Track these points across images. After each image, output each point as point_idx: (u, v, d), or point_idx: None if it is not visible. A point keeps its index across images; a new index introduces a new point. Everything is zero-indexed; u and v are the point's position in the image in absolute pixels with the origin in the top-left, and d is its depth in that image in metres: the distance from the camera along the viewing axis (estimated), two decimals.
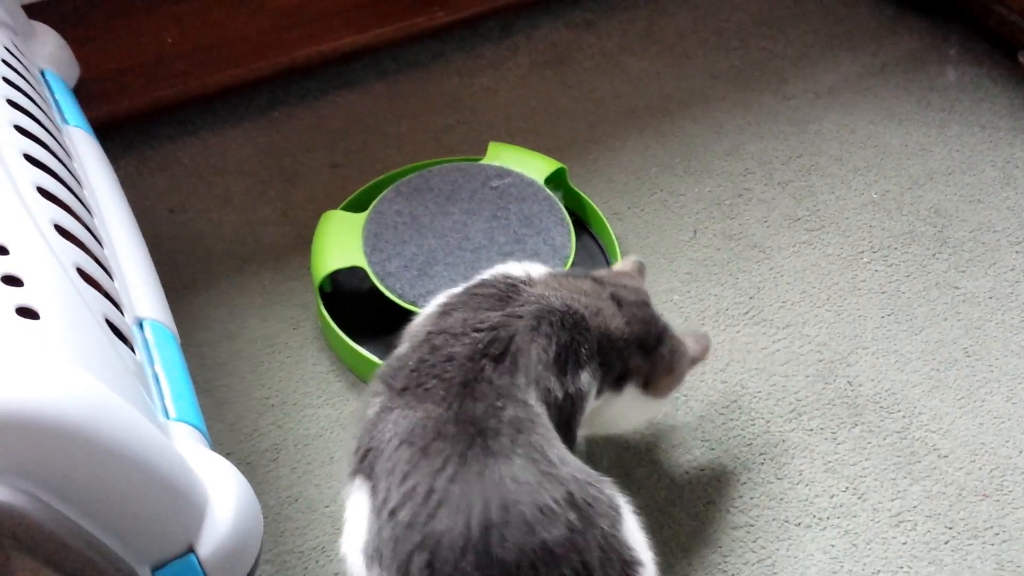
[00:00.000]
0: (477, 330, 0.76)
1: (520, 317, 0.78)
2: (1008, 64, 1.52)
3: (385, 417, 0.72)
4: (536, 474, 0.67)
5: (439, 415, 0.70)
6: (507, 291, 0.81)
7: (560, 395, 0.78)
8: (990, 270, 1.26)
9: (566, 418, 0.79)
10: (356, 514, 0.71)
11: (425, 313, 0.83)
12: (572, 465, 0.70)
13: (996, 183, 1.37)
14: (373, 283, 1.12)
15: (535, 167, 1.26)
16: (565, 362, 0.79)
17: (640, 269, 0.99)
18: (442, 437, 0.69)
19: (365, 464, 0.71)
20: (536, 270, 0.87)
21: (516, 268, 0.86)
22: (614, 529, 0.69)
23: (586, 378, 0.81)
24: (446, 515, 0.65)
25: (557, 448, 0.71)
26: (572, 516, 0.66)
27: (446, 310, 0.80)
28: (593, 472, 0.72)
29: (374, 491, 0.69)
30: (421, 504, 0.66)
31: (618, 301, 0.87)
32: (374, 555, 0.68)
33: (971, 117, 1.47)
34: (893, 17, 1.65)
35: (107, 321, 0.74)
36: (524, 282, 0.83)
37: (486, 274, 0.85)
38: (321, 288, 1.15)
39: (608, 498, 0.70)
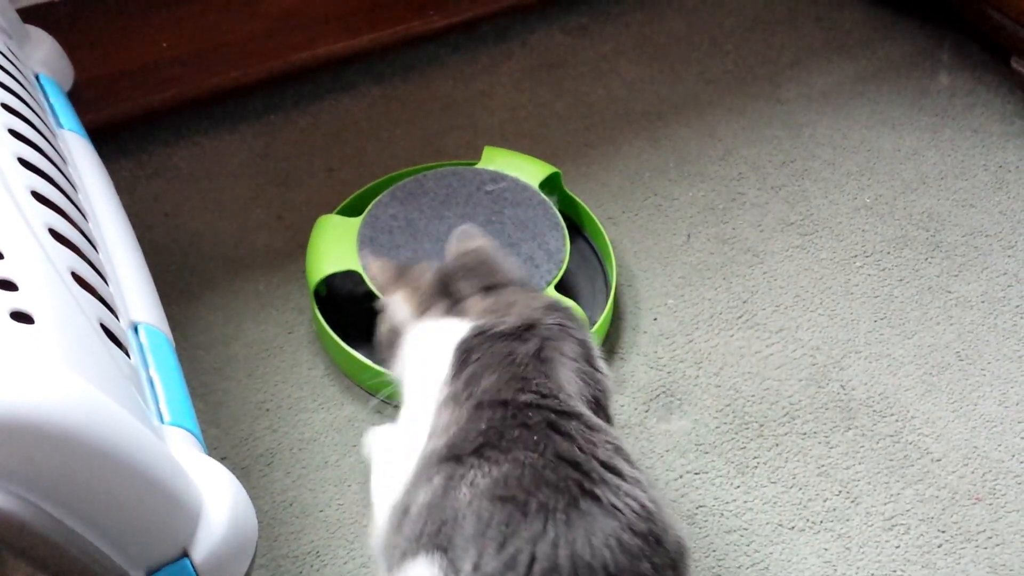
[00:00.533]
0: (524, 379, 0.73)
1: (546, 361, 0.76)
2: (1001, 69, 1.53)
3: (455, 485, 0.67)
4: (639, 538, 0.65)
5: (533, 460, 0.66)
6: (506, 341, 0.78)
7: (604, 398, 0.79)
8: (982, 274, 1.26)
9: (606, 408, 0.80)
10: None
11: (433, 406, 0.77)
12: (660, 503, 0.69)
13: (988, 187, 1.38)
14: (368, 287, 1.12)
15: (530, 171, 1.26)
16: (592, 367, 0.79)
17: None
18: (542, 486, 0.65)
19: (439, 537, 0.65)
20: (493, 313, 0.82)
21: (460, 327, 0.81)
22: None
23: (602, 363, 0.82)
24: None
25: (646, 483, 0.70)
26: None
27: (470, 385, 0.75)
28: (672, 510, 0.71)
29: (454, 564, 0.64)
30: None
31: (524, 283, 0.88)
32: None
33: (964, 122, 1.48)
34: (886, 22, 1.66)
35: (102, 325, 0.74)
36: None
37: (462, 339, 0.80)
38: (316, 292, 1.15)
39: (686, 547, 0.70)
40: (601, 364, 0.81)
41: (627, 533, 0.64)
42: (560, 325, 0.79)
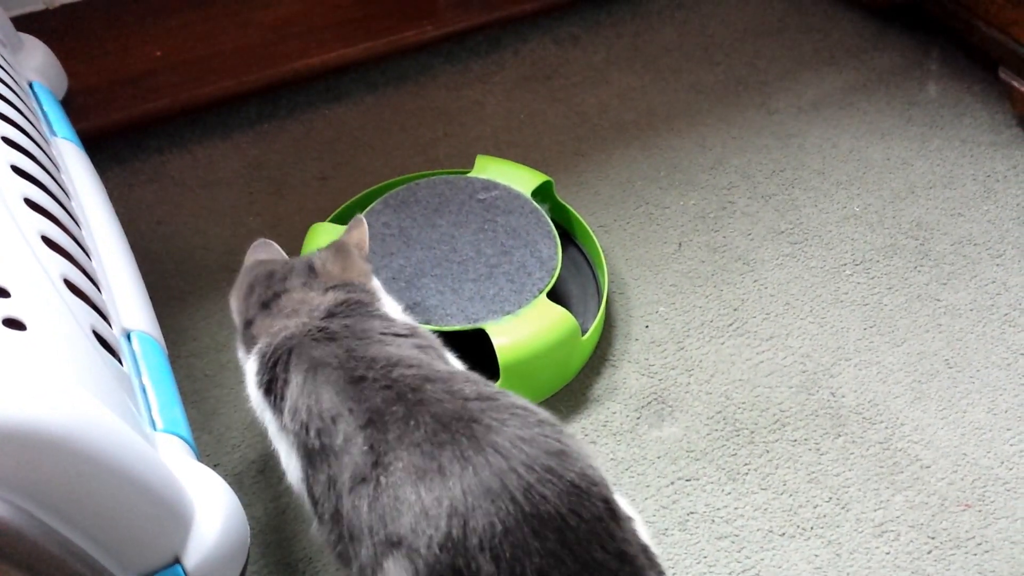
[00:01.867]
0: (361, 379, 0.76)
1: (367, 347, 0.80)
2: (989, 79, 1.55)
3: (377, 497, 0.71)
4: (536, 427, 0.71)
5: (421, 437, 0.70)
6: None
7: (437, 346, 0.86)
8: (971, 282, 1.27)
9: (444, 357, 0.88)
10: None
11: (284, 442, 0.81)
12: (540, 407, 0.76)
13: (977, 197, 1.39)
14: None
15: (522, 180, 1.27)
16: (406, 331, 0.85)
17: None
18: (442, 447, 0.69)
19: (389, 540, 0.69)
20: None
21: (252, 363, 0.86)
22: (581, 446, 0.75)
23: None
24: (488, 503, 0.67)
25: (515, 396, 0.76)
26: (571, 443, 0.72)
27: (301, 413, 0.78)
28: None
29: (413, 550, 0.68)
30: (466, 512, 0.67)
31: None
32: None
33: (952, 132, 1.49)
34: (876, 33, 1.67)
35: (94, 332, 0.74)
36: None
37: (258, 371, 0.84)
38: None
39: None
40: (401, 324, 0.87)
41: (524, 430, 0.71)
42: (356, 305, 0.85)
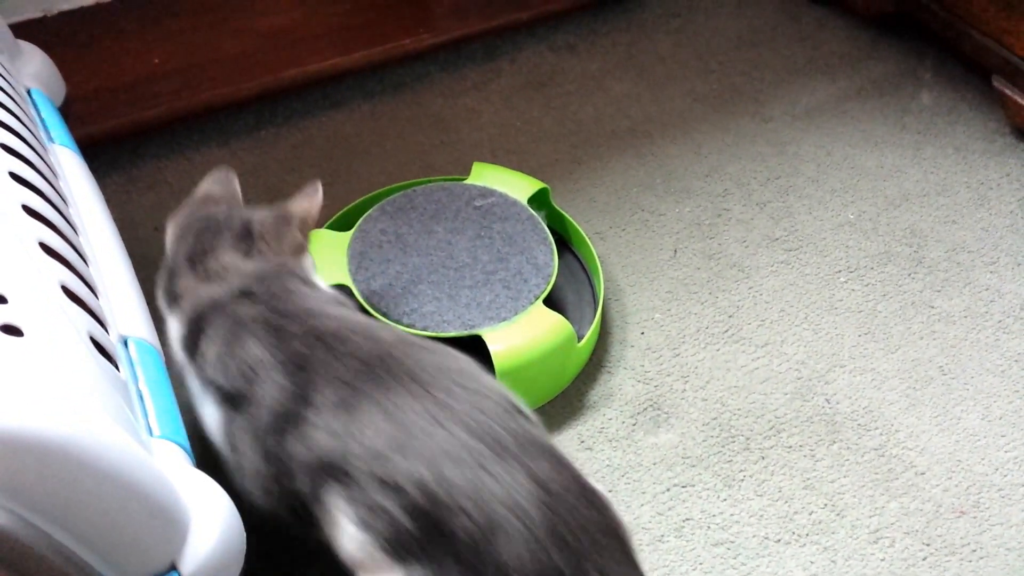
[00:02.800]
0: (278, 328, 0.80)
1: (282, 299, 0.84)
2: (982, 88, 1.56)
3: (307, 430, 0.75)
4: (447, 357, 0.79)
5: (345, 374, 0.75)
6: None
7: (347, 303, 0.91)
8: (965, 290, 1.28)
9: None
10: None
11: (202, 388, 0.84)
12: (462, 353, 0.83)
13: (970, 204, 1.40)
14: (358, 301, 1.13)
15: (518, 187, 1.27)
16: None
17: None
18: (364, 379, 0.75)
19: (338, 467, 0.74)
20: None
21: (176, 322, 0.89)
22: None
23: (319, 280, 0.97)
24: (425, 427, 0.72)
25: (436, 344, 0.82)
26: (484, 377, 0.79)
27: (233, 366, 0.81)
28: None
29: (358, 490, 0.72)
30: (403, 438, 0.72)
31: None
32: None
33: (946, 140, 1.50)
34: (869, 41, 1.68)
35: (92, 339, 0.74)
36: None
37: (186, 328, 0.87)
38: None
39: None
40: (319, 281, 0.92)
41: (443, 360, 0.77)
42: (282, 274, 0.87)
